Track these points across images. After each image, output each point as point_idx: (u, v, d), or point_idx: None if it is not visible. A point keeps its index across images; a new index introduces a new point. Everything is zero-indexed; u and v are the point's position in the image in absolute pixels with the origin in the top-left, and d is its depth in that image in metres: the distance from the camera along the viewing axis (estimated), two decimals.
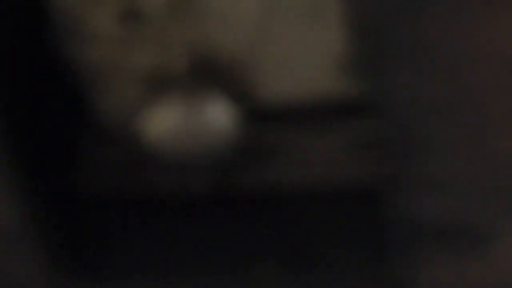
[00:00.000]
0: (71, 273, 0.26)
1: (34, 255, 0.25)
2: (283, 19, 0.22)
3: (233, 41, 0.22)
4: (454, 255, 0.23)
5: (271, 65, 0.22)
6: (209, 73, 0.22)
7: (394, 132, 0.18)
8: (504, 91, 0.17)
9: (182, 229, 0.25)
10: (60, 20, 0.22)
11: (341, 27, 0.21)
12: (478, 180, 0.20)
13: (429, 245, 0.22)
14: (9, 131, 0.22)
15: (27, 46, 0.23)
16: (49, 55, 0.24)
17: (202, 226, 0.25)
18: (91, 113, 0.25)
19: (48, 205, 0.25)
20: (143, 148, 0.24)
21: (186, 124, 0.22)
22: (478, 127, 0.18)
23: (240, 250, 0.24)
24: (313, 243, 0.24)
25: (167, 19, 0.22)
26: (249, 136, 0.22)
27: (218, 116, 0.21)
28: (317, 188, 0.24)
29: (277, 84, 0.22)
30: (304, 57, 0.22)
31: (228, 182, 0.25)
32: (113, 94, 0.24)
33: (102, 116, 0.24)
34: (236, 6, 0.21)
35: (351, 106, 0.22)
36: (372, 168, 0.21)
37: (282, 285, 0.23)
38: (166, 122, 0.22)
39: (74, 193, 0.27)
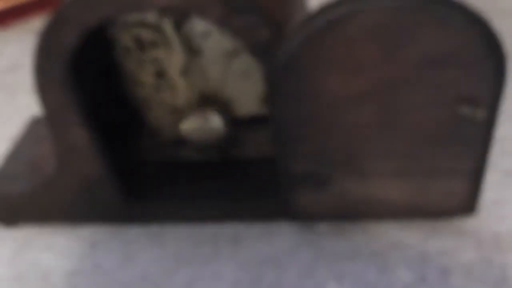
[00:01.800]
0: (134, 198, 0.39)
1: (112, 189, 0.38)
2: (237, 77, 0.39)
3: (217, 85, 0.39)
4: (312, 189, 0.36)
5: (236, 98, 0.40)
6: (208, 102, 0.41)
7: (282, 131, 0.32)
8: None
9: (198, 178, 0.41)
10: (128, 74, 0.39)
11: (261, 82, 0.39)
12: (324, 152, 0.33)
13: (299, 185, 0.35)
14: (102, 129, 0.36)
15: (111, 90, 0.39)
16: (122, 93, 0.41)
17: (209, 175, 0.41)
18: (146, 121, 0.42)
19: (122, 162, 0.39)
20: (179, 137, 0.42)
21: (200, 126, 0.41)
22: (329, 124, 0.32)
23: (226, 189, 0.39)
24: (250, 182, 0.39)
25: (182, 75, 0.39)
26: (230, 131, 0.41)
27: (216, 122, 0.41)
28: (257, 156, 0.42)
29: (238, 107, 0.41)
30: (249, 94, 0.40)
31: (222, 154, 0.43)
32: (157, 111, 0.41)
33: (152, 121, 0.42)
34: (217, 68, 0.39)
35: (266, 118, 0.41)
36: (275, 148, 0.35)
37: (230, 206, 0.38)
38: (190, 126, 0.41)
39: (139, 156, 0.43)
